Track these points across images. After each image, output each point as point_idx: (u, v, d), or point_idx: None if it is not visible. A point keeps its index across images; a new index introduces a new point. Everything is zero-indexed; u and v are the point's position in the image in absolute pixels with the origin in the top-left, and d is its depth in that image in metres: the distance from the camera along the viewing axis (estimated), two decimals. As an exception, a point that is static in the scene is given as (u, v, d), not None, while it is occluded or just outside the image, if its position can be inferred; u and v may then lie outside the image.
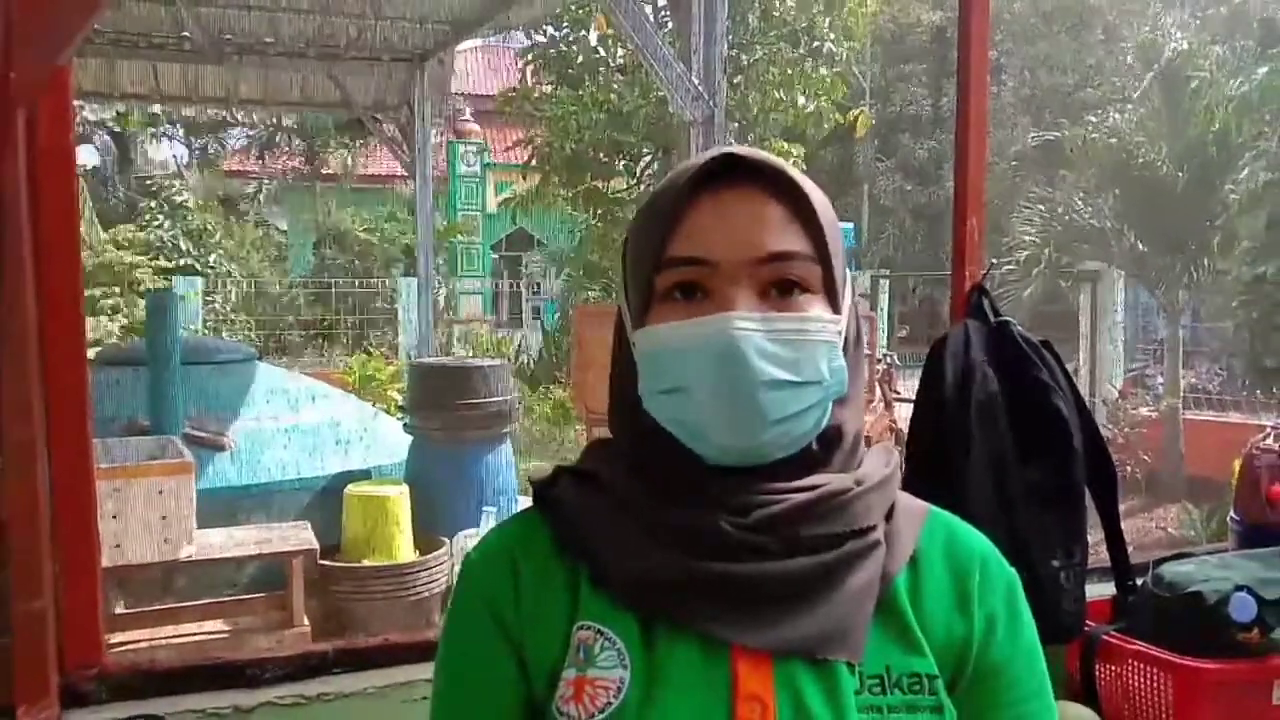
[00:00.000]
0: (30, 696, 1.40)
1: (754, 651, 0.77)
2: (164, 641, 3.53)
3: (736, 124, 10.93)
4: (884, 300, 15.75)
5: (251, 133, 18.94)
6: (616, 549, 0.81)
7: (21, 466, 1.41)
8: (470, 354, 12.76)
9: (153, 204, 15.94)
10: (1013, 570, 0.89)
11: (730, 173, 0.80)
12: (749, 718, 0.76)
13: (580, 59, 11.75)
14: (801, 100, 10.75)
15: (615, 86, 11.21)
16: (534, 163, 12.06)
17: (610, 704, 0.77)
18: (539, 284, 17.94)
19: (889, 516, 0.84)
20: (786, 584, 0.78)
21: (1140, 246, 10.75)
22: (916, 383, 1.79)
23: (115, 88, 7.58)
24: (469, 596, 0.86)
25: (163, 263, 14.55)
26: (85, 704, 1.44)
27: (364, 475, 4.76)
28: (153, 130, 17.90)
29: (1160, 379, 11.31)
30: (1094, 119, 12.13)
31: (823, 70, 10.94)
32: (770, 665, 0.77)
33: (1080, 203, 11.25)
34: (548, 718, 0.80)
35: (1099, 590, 1.82)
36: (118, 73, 7.42)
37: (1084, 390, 10.55)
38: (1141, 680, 1.65)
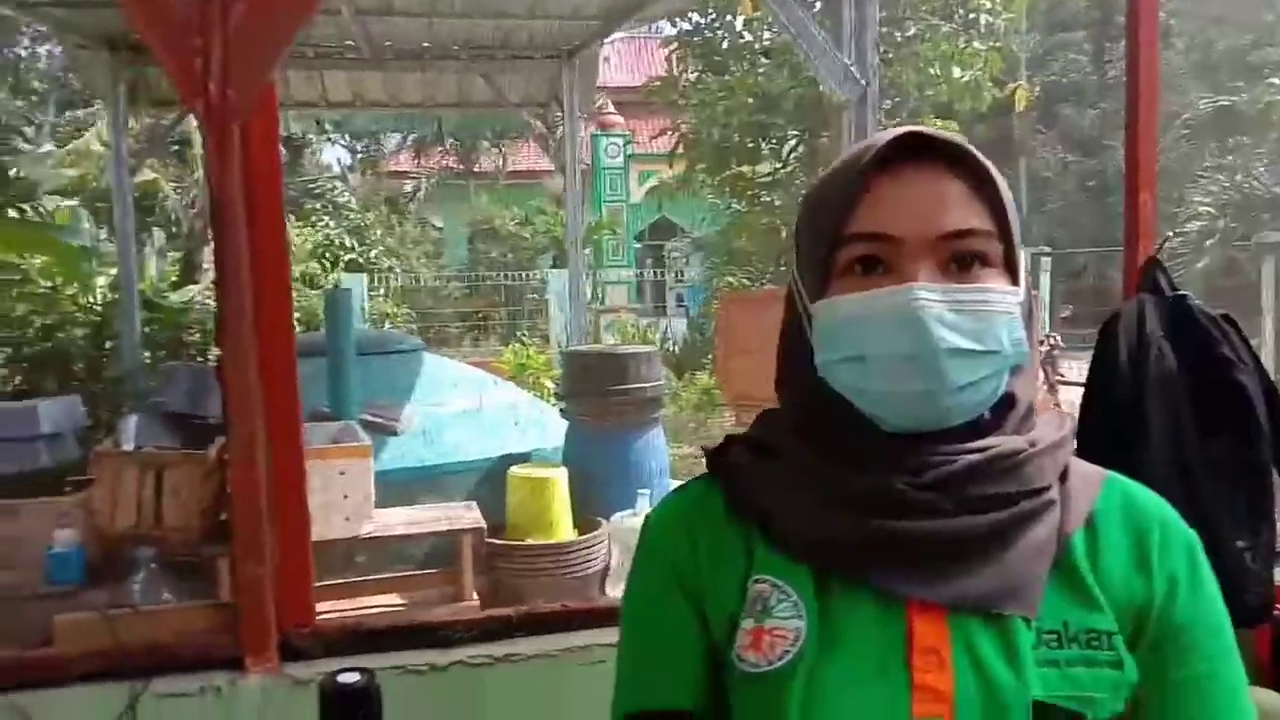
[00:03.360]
0: (255, 650, 1.56)
1: (929, 606, 0.80)
2: (351, 612, 3.79)
3: (890, 102, 10.70)
4: (1045, 279, 15.08)
5: (411, 135, 19.78)
6: (791, 512, 0.85)
7: (246, 451, 1.57)
8: (618, 342, 12.98)
9: (318, 205, 16.89)
10: (1193, 532, 0.88)
11: (908, 151, 0.82)
12: (926, 669, 0.78)
13: (725, 44, 11.72)
14: (957, 72, 10.40)
15: (762, 70, 11.14)
16: (679, 151, 12.12)
17: (789, 652, 0.80)
18: (683, 271, 18.03)
19: (1063, 479, 0.85)
20: (961, 541, 0.80)
21: (1331, 214, 9.94)
22: (1080, 365, 1.75)
23: (288, 98, 8.07)
24: (650, 553, 0.92)
25: (328, 258, 15.42)
26: (301, 658, 1.59)
27: (524, 458, 4.94)
28: (324, 135, 18.91)
29: (1355, 356, 10.43)
30: (1277, 80, 11.26)
31: (977, 44, 10.56)
32: (945, 620, 0.79)
33: (1260, 170, 10.47)
34: (728, 666, 0.84)
35: (1288, 574, 1.74)
36: (290, 83, 7.90)
37: (1271, 368, 9.85)
38: (1337, 667, 1.58)
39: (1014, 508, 0.81)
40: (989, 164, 0.83)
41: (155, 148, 10.00)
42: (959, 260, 0.81)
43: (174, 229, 12.62)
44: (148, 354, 7.55)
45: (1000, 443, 0.83)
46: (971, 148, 0.83)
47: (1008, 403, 0.85)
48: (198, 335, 8.31)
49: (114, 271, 7.86)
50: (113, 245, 7.97)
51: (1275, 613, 1.61)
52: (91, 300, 8.10)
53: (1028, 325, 0.86)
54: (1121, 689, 0.81)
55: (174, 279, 10.49)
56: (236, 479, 1.57)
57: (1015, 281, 0.83)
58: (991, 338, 0.80)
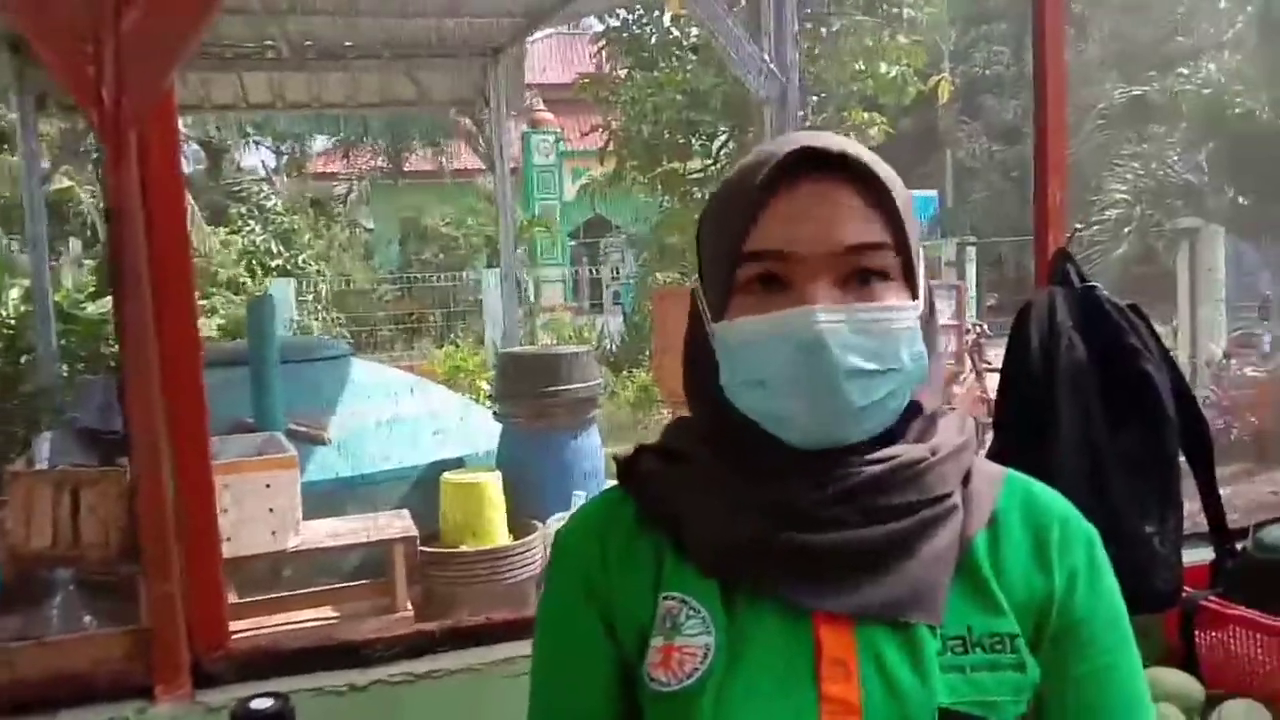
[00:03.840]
0: (166, 676, 1.51)
1: (836, 617, 0.80)
2: (275, 629, 3.70)
3: (816, 97, 10.79)
4: (971, 269, 15.39)
5: (338, 136, 19.44)
6: (699, 520, 0.85)
7: (148, 463, 1.51)
8: (554, 342, 12.93)
9: (242, 209, 16.53)
10: (1091, 527, 0.90)
11: (805, 163, 0.81)
12: (834, 680, 0.79)
13: (654, 40, 11.73)
14: (884, 68, 10.53)
15: (690, 67, 11.17)
16: (610, 148, 12.10)
17: (697, 669, 0.80)
18: (618, 269, 18.03)
19: (966, 481, 0.86)
20: (865, 551, 0.81)
21: (1240, 199, 10.30)
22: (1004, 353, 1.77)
23: (205, 100, 7.87)
24: (562, 569, 0.91)
25: (254, 264, 15.11)
26: (215, 684, 1.54)
27: (458, 463, 4.89)
28: (241, 137, 18.51)
29: (1267, 337, 10.83)
30: (1185, 70, 11.64)
31: (901, 38, 10.72)
32: (852, 630, 0.80)
33: (1174, 158, 10.82)
34: (640, 684, 0.84)
35: (1197, 556, 1.79)
36: (209, 86, 7.70)
37: (1185, 353, 10.19)
38: (1245, 646, 1.62)
39: (916, 516, 0.82)
40: (887, 173, 0.83)
41: (69, 154, 9.69)
42: (858, 276, 0.81)
43: (91, 237, 12.24)
44: (65, 367, 7.31)
45: (902, 452, 0.83)
46: (867, 156, 0.82)
47: (911, 410, 0.86)
48: (118, 347, 8.07)
49: (27, 283, 7.60)
50: (25, 256, 7.71)
51: (1183, 596, 1.65)
52: (3, 313, 7.82)
53: (929, 331, 0.86)
54: (1024, 691, 0.82)
55: (92, 289, 10.17)
56: (142, 495, 1.52)
57: (914, 293, 0.83)
58: (892, 355, 0.81)
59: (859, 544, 0.81)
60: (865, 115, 11.00)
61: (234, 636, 1.65)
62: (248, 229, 15.94)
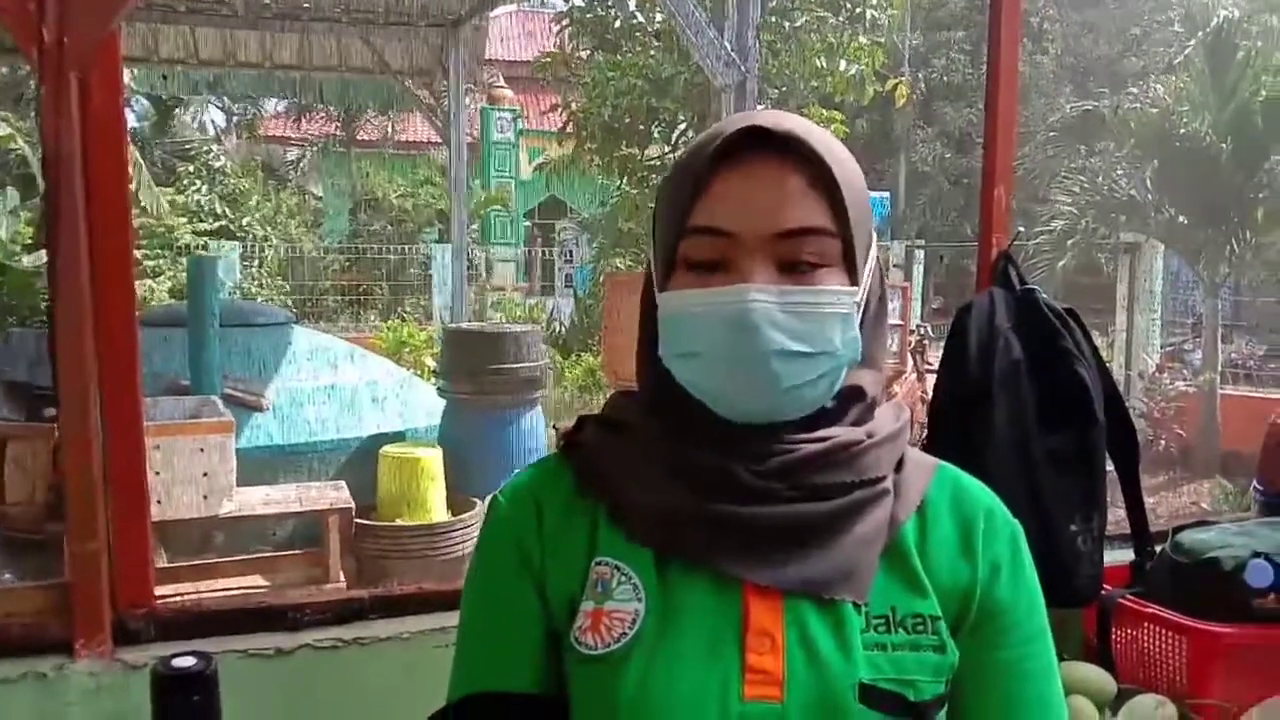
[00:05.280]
0: (86, 632, 1.48)
1: (764, 589, 0.81)
2: (204, 595, 3.65)
3: (777, 90, 10.82)
4: (918, 271, 15.60)
5: (289, 100, 19.03)
6: (635, 488, 0.85)
7: (77, 418, 1.48)
8: (503, 320, 12.86)
9: (190, 168, 16.13)
10: (1016, 522, 0.92)
11: (755, 140, 0.82)
12: (759, 650, 0.80)
13: (617, 24, 11.67)
14: (843, 65, 10.60)
15: (653, 52, 11.13)
16: (569, 129, 12.03)
17: (625, 634, 0.81)
18: (571, 251, 17.96)
19: (899, 468, 0.88)
20: (797, 527, 0.82)
21: (1180, 219, 10.58)
22: (944, 351, 1.80)
23: (154, 53, 7.67)
24: (495, 532, 0.91)
25: (201, 224, 14.77)
26: (136, 641, 1.51)
27: (398, 437, 4.85)
28: (193, 94, 18.07)
29: (1198, 353, 11.16)
30: (1136, 89, 11.91)
31: (863, 38, 10.80)
32: (780, 603, 0.81)
33: (1120, 174, 11.07)
34: (566, 649, 0.85)
35: (1119, 556, 1.84)
36: (158, 38, 7.50)
37: (1120, 364, 10.46)
38: (1157, 643, 1.67)
39: (849, 496, 0.83)
40: (836, 155, 0.83)
41: (6, 100, 9.39)
42: (797, 258, 0.81)
43: (29, 187, 11.86)
44: (-5, 319, 7.10)
45: (839, 434, 0.85)
46: (816, 138, 0.83)
47: (853, 395, 0.87)
48: (49, 297, 7.85)
49: (-42, 231, 7.35)
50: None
51: (1103, 594, 1.70)
52: (-68, 261, 7.57)
53: (875, 320, 0.88)
54: (943, 671, 0.84)
55: (28, 241, 9.87)
56: (68, 452, 1.48)
57: (854, 279, 0.84)
58: (822, 339, 0.82)
59: (792, 519, 0.82)
60: (824, 113, 11.07)
61: (161, 601, 1.62)
62: (194, 188, 15.56)
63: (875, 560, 0.83)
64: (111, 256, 1.54)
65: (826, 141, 0.84)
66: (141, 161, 13.46)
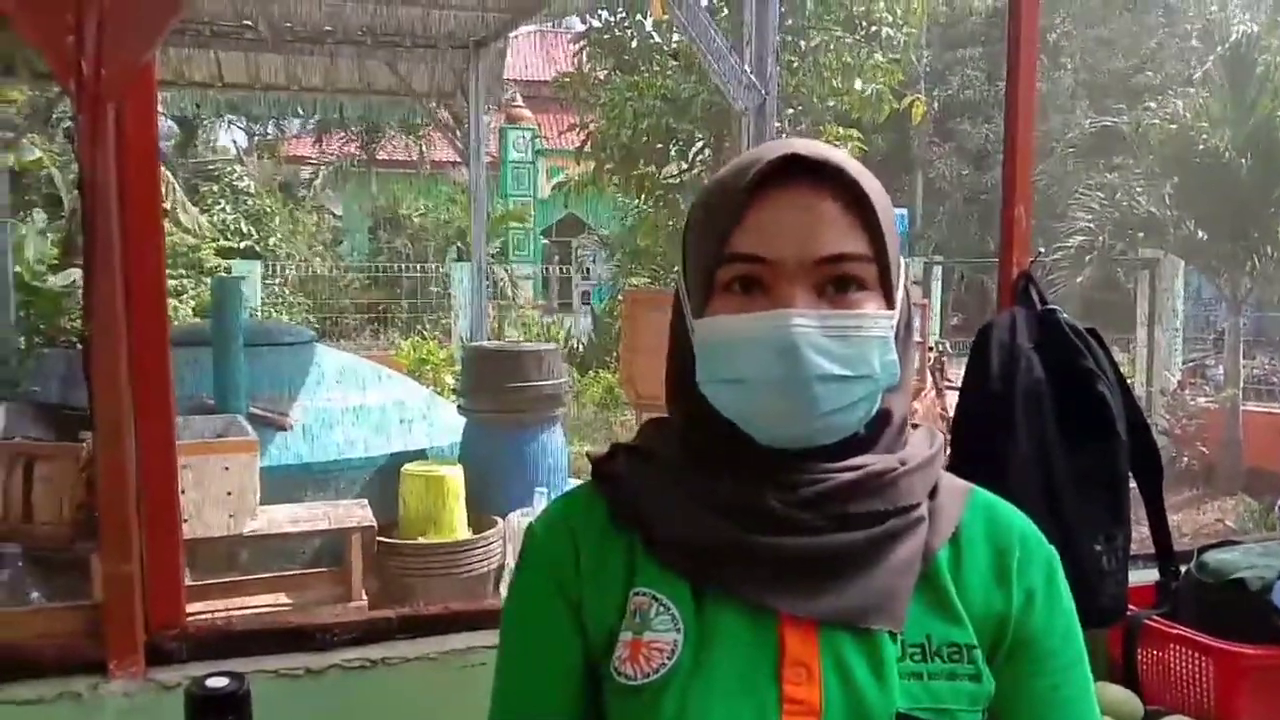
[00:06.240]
0: (120, 653, 1.50)
1: (800, 620, 0.82)
2: (229, 613, 3.67)
3: (793, 110, 10.86)
4: (936, 287, 15.55)
5: (311, 120, 19.22)
6: (669, 520, 0.86)
7: (113, 441, 1.50)
8: (522, 338, 12.91)
9: (214, 188, 16.32)
10: (1051, 548, 0.92)
11: (791, 168, 0.83)
12: (795, 681, 0.80)
13: (635, 44, 11.75)
14: (859, 85, 10.63)
15: (670, 73, 11.20)
16: (587, 148, 12.11)
17: (664, 665, 0.82)
18: (589, 269, 18.01)
19: (933, 495, 0.88)
20: (832, 557, 0.83)
21: (1200, 234, 10.52)
22: (965, 370, 1.81)
23: (180, 76, 7.78)
24: (533, 562, 0.92)
25: (224, 243, 14.92)
26: (168, 662, 1.53)
27: (420, 455, 4.88)
28: (217, 116, 18.29)
29: (1220, 369, 11.07)
30: (1153, 105, 11.87)
31: (878, 56, 10.82)
32: (816, 633, 0.82)
33: (1139, 189, 11.03)
34: (605, 678, 0.85)
35: (1143, 576, 1.84)
36: (185, 62, 7.62)
37: (1141, 380, 10.39)
38: (1182, 664, 1.67)
39: (883, 525, 0.84)
40: (869, 183, 0.85)
41: (36, 123, 9.53)
42: (835, 283, 0.83)
43: (55, 207, 12.02)
44: (23, 340, 7.18)
45: (873, 461, 0.85)
46: (851, 166, 0.84)
47: (883, 419, 0.88)
48: (80, 320, 7.95)
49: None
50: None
51: (1128, 614, 1.70)
52: (-39, 282, 7.68)
53: (905, 342, 0.88)
54: (979, 700, 0.84)
55: (54, 260, 10.00)
56: (103, 472, 1.50)
57: (890, 303, 0.85)
58: (863, 362, 0.83)
59: (826, 549, 0.83)
60: (840, 131, 11.09)
61: (191, 620, 1.64)
62: (218, 208, 15.74)
63: (910, 589, 0.83)
64: (145, 281, 1.57)
65: (861, 171, 0.85)
66: (175, 182, 13.62)
